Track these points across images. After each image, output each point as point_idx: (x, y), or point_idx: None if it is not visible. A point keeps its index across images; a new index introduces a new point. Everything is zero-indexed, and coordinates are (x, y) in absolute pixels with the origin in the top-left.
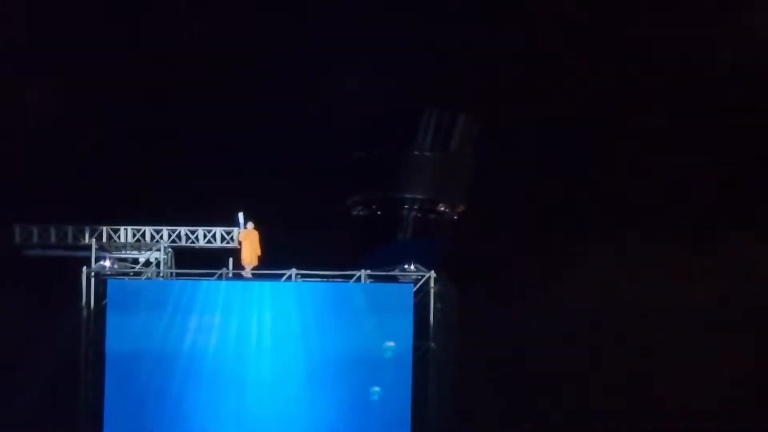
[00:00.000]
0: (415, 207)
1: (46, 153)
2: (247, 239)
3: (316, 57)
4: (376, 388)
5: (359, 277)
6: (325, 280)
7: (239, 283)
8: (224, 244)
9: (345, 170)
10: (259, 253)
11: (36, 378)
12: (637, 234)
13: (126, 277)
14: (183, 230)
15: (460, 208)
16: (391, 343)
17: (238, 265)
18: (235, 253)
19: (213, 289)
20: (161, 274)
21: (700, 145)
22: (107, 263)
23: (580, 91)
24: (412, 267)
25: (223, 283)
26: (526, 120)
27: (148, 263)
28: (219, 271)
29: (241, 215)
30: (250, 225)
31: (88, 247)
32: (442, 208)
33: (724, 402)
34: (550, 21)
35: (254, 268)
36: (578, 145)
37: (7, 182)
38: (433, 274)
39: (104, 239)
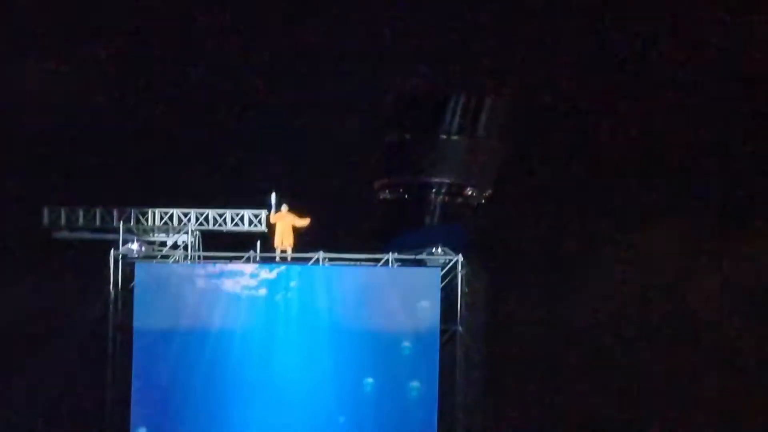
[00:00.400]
0: (443, 191)
1: (74, 135)
2: (281, 221)
3: (345, 40)
4: (403, 372)
5: (387, 260)
6: (352, 263)
7: (267, 266)
8: (252, 228)
9: (373, 154)
10: (292, 237)
11: (63, 361)
12: (671, 218)
13: (153, 260)
14: (211, 213)
15: (488, 192)
16: (418, 327)
17: (265, 248)
18: (264, 236)
19: (240, 273)
20: (188, 257)
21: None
22: (135, 246)
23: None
24: (440, 251)
25: (251, 266)
26: (555, 104)
27: (175, 246)
28: (246, 254)
29: (273, 196)
30: (285, 207)
31: (116, 230)
32: (470, 192)
33: None
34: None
35: (284, 252)
36: (606, 128)
37: (36, 164)
38: (460, 257)
39: (132, 222)
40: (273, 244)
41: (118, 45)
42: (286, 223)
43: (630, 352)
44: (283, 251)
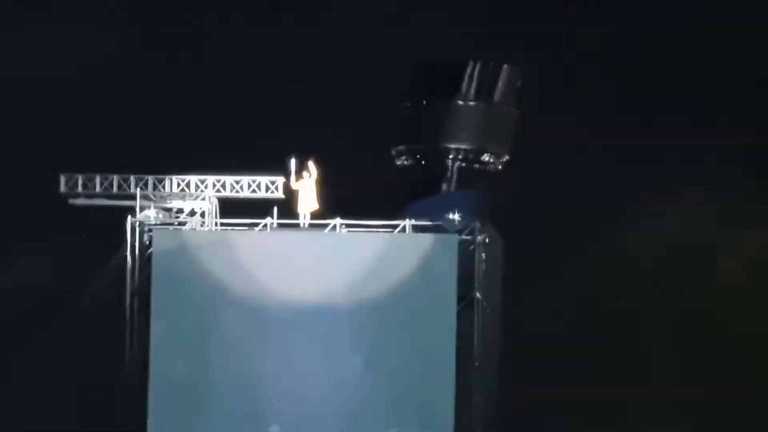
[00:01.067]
0: (460, 157)
1: (90, 101)
2: (303, 187)
3: (363, 4)
4: (421, 339)
5: (404, 227)
6: (369, 230)
7: (284, 233)
8: (269, 194)
9: (390, 120)
10: (316, 202)
11: (81, 327)
12: (695, 188)
13: (171, 227)
14: (228, 180)
15: (505, 158)
16: (436, 294)
17: (282, 214)
18: (280, 202)
19: (257, 239)
20: (206, 224)
21: None
22: (152, 213)
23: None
24: (457, 217)
25: (268, 233)
26: (575, 71)
27: (192, 213)
28: (264, 221)
29: (292, 161)
30: (306, 173)
31: (133, 196)
32: (487, 159)
33: None
34: None
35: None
36: (629, 97)
37: (52, 130)
38: (477, 224)
39: (149, 188)
40: (296, 209)
41: (135, 7)
42: (308, 189)
43: (653, 328)
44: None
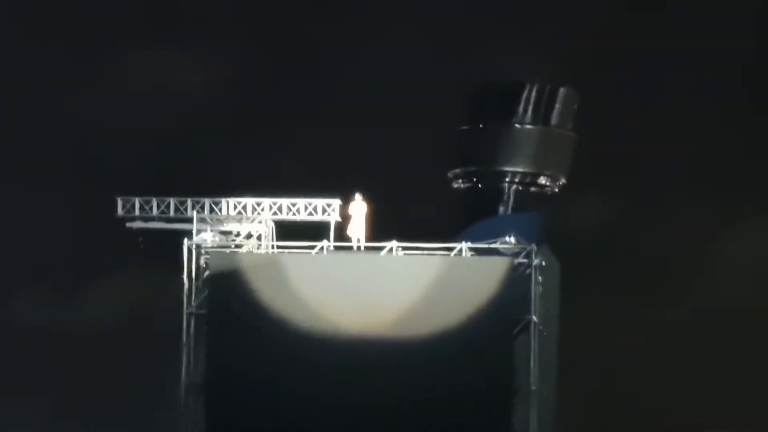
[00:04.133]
0: (516, 180)
1: (148, 125)
2: (356, 212)
3: (423, 28)
4: (476, 361)
5: (460, 250)
6: (425, 252)
7: (340, 256)
8: (325, 216)
9: (448, 143)
10: (363, 227)
11: (139, 348)
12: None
13: (227, 250)
14: (284, 202)
15: (561, 182)
16: (491, 316)
17: (339, 237)
18: (337, 225)
19: (313, 262)
20: (262, 247)
21: None
22: (209, 235)
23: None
24: (513, 240)
25: (323, 256)
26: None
27: (249, 236)
28: (320, 244)
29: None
30: (359, 197)
31: (190, 220)
32: (543, 181)
33: None
34: None
35: (358, 241)
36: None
37: (111, 153)
38: (534, 247)
39: (206, 211)
40: (346, 234)
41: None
42: (360, 214)
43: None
44: (358, 240)
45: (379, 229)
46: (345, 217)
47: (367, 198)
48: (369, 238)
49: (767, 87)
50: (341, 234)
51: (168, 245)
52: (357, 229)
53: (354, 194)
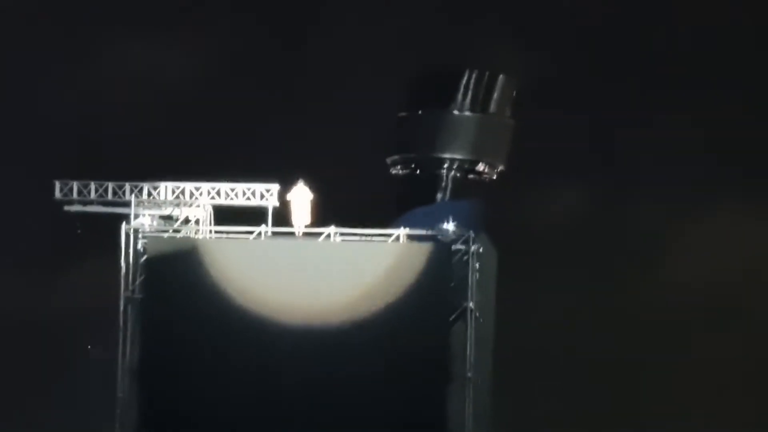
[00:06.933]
0: (454, 167)
1: (85, 109)
2: (299, 198)
3: (362, 17)
4: (412, 347)
5: (398, 236)
6: (364, 239)
7: (278, 241)
8: (263, 202)
9: (385, 129)
10: (309, 214)
11: (75, 333)
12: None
13: (165, 234)
14: (223, 187)
15: (499, 169)
16: (429, 302)
17: (277, 223)
18: (276, 211)
19: (252, 247)
20: (200, 232)
21: None
22: (147, 220)
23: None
24: (451, 226)
25: (261, 241)
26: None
27: (187, 221)
28: (258, 229)
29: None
30: (301, 184)
31: (128, 204)
32: (481, 168)
33: None
34: None
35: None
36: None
37: (49, 138)
38: (471, 234)
39: (144, 196)
40: (290, 220)
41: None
42: (303, 199)
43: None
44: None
45: (318, 215)
46: (284, 203)
47: (306, 184)
48: (308, 224)
49: (739, 75)
50: (284, 219)
51: (106, 229)
52: (301, 216)
53: (296, 180)
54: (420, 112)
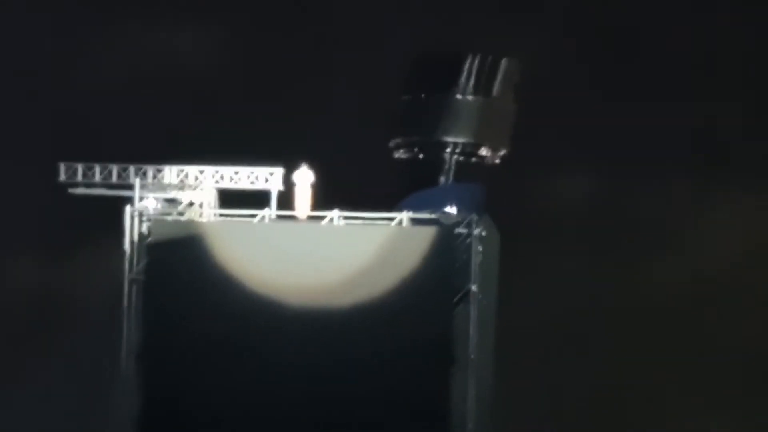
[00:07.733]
0: (457, 150)
1: (91, 91)
2: (301, 181)
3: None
4: (416, 329)
5: (401, 219)
6: (367, 222)
7: (282, 225)
8: (267, 185)
9: (389, 113)
10: (311, 197)
11: (79, 316)
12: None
13: (169, 217)
14: (227, 171)
15: (503, 152)
16: (432, 285)
17: (285, 206)
18: (280, 194)
19: (255, 230)
20: (204, 215)
21: None
22: (151, 202)
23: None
24: (454, 210)
25: (266, 224)
26: (573, 65)
27: (191, 204)
28: (262, 212)
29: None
30: (304, 167)
31: (132, 186)
32: (484, 152)
33: None
34: None
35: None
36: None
37: (54, 119)
38: (474, 217)
39: (149, 178)
40: (293, 203)
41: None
42: (306, 183)
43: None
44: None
45: (321, 199)
46: (289, 186)
47: (310, 167)
48: (311, 208)
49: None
50: (288, 202)
51: (110, 211)
52: (303, 200)
53: (300, 163)
54: (423, 95)
